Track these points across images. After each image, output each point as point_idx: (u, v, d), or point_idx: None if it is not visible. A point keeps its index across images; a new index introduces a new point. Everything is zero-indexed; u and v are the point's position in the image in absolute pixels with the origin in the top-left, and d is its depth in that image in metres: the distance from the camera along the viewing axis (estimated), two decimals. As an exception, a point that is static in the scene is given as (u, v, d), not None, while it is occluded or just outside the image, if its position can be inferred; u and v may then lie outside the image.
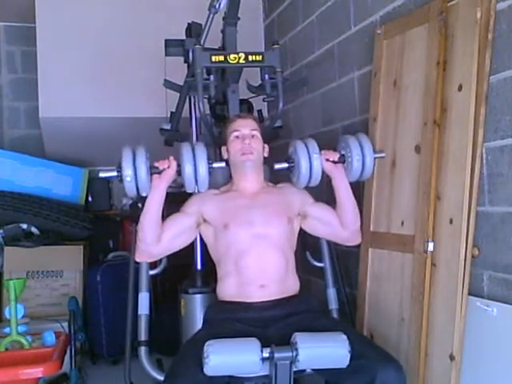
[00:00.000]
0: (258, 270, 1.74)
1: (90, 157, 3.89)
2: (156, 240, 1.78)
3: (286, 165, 1.95)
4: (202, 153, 1.79)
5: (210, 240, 1.88)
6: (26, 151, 3.58)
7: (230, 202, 1.87)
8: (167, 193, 1.84)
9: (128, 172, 1.73)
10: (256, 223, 1.79)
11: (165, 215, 1.86)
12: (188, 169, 1.77)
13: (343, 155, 1.92)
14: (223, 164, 1.91)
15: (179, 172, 1.79)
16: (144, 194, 1.79)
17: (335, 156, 1.90)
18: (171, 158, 1.79)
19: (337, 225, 1.90)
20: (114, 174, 1.77)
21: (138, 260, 1.91)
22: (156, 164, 1.79)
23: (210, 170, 1.83)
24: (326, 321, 1.71)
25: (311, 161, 1.85)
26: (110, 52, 3.35)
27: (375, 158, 1.93)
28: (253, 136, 1.89)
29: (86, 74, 3.33)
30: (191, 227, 1.86)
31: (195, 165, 1.77)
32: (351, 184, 1.92)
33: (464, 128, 1.76)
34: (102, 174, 1.81)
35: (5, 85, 4.05)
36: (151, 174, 1.77)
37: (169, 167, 1.77)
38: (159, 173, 1.78)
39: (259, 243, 1.76)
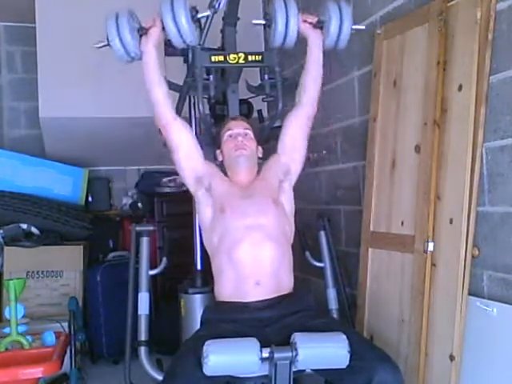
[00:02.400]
0: (252, 261, 1.72)
1: (90, 157, 3.89)
2: (167, 98, 1.83)
3: (263, 22, 1.91)
4: (180, 2, 1.74)
5: (205, 222, 1.86)
6: (25, 151, 3.59)
7: (229, 188, 1.87)
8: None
9: (112, 31, 1.73)
10: (250, 214, 1.78)
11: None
12: (168, 20, 1.73)
13: (322, 21, 1.90)
14: (208, 12, 1.88)
15: (164, 28, 1.77)
16: (136, 58, 1.80)
17: (313, 19, 1.90)
18: (156, 15, 1.79)
19: (297, 116, 1.91)
20: (106, 42, 1.77)
21: (159, 126, 1.89)
22: (143, 24, 1.80)
23: (194, 20, 1.80)
24: (323, 320, 1.70)
25: (288, 17, 1.81)
26: (109, 52, 3.34)
27: (353, 29, 1.90)
28: (246, 134, 1.90)
29: (86, 74, 3.32)
30: (196, 156, 1.88)
31: (174, 15, 1.73)
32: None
33: (464, 128, 1.76)
34: (96, 45, 1.80)
35: (5, 85, 4.05)
36: (140, 37, 1.78)
37: (154, 24, 1.78)
38: (147, 32, 1.79)
39: (252, 234, 1.74)
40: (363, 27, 2.01)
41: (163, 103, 1.83)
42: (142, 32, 1.78)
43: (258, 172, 1.94)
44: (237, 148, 1.86)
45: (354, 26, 1.90)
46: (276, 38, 1.85)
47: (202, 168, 1.88)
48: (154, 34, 1.79)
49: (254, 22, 1.92)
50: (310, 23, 1.89)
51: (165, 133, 1.87)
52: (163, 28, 1.77)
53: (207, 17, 2.08)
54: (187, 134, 1.88)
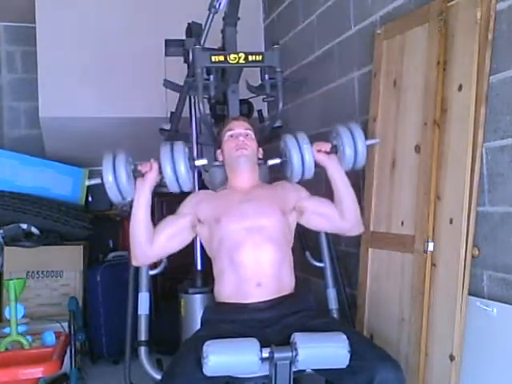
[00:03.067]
0: (253, 264, 1.72)
1: (90, 157, 3.86)
2: (149, 242, 1.79)
3: (278, 160, 1.93)
4: (180, 152, 1.76)
5: (205, 239, 1.87)
6: (26, 151, 3.58)
7: (224, 198, 1.87)
8: (166, 193, 1.84)
9: (108, 179, 1.72)
10: (249, 216, 1.78)
11: (164, 213, 1.86)
12: (167, 170, 1.75)
13: (335, 145, 1.90)
14: (205, 161, 1.88)
15: (161, 173, 1.78)
16: (129, 199, 1.79)
17: (327, 146, 1.89)
18: (152, 160, 1.78)
19: (335, 216, 1.88)
20: (99, 180, 1.76)
21: (135, 264, 1.91)
22: (139, 167, 1.79)
23: (192, 168, 1.81)
24: (324, 320, 1.70)
25: (302, 153, 1.83)
26: (109, 52, 3.35)
27: (368, 145, 1.90)
28: (247, 135, 1.90)
29: (86, 74, 3.33)
30: (186, 228, 1.86)
31: (174, 165, 1.75)
32: (348, 175, 1.90)
33: (464, 128, 1.76)
34: (87, 182, 1.82)
35: (5, 85, 4.05)
36: (135, 178, 1.78)
37: (151, 170, 1.77)
38: (142, 176, 1.78)
39: (253, 236, 1.75)
40: (377, 141, 2.02)
41: (145, 245, 1.79)
42: (138, 175, 1.78)
43: (260, 173, 1.94)
44: (238, 148, 1.86)
45: (368, 143, 1.89)
46: (295, 175, 1.87)
47: (189, 221, 1.86)
48: (151, 179, 1.77)
49: (270, 162, 1.94)
50: (325, 151, 1.88)
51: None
52: (160, 172, 1.77)
53: (207, 17, 2.09)
54: (167, 236, 1.83)
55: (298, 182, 1.93)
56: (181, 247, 1.87)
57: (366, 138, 1.90)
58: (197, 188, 2.30)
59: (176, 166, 1.74)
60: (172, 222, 1.86)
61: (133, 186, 1.77)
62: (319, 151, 1.86)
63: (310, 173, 1.87)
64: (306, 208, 1.90)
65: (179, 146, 1.78)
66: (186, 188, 1.81)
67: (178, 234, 1.85)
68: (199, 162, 1.85)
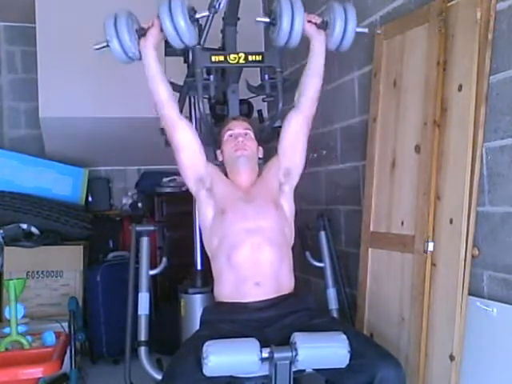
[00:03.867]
0: (252, 264, 1.72)
1: (90, 157, 3.89)
2: (171, 101, 1.83)
3: (267, 19, 1.90)
4: (178, 3, 1.73)
5: (206, 223, 1.85)
6: (25, 151, 3.59)
7: (230, 190, 1.87)
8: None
9: (110, 32, 1.73)
10: (249, 217, 1.78)
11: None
12: (166, 22, 1.73)
13: (326, 21, 1.89)
14: (206, 12, 1.87)
15: (162, 29, 1.77)
16: (134, 57, 1.81)
17: (318, 19, 1.89)
18: (155, 17, 1.79)
19: (293, 115, 1.90)
20: (105, 43, 1.77)
21: (165, 126, 1.90)
22: (142, 26, 1.80)
23: (193, 21, 1.79)
24: (323, 319, 1.70)
25: (294, 15, 1.79)
26: (109, 52, 3.35)
27: (356, 31, 1.90)
28: (246, 134, 1.91)
29: (86, 74, 3.32)
30: (199, 157, 1.87)
31: (173, 17, 1.72)
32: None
33: (464, 128, 1.76)
34: (95, 46, 1.81)
35: (5, 85, 4.05)
36: (139, 38, 1.78)
37: (152, 25, 1.78)
38: (145, 34, 1.79)
39: (252, 237, 1.74)
40: (366, 30, 1.99)
41: (168, 103, 1.83)
42: (141, 33, 1.78)
43: (260, 173, 1.94)
44: (237, 148, 1.86)
45: (357, 29, 1.89)
46: (280, 37, 1.83)
47: (205, 169, 1.87)
48: (153, 34, 1.78)
49: (258, 19, 1.91)
50: (315, 23, 1.88)
51: (169, 132, 1.87)
52: (161, 29, 1.76)
53: (207, 17, 2.08)
54: (192, 135, 1.87)
55: (282, 48, 1.89)
56: (184, 145, 1.86)
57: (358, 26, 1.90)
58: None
59: (174, 17, 1.72)
60: (198, 143, 1.87)
61: (136, 42, 1.78)
62: (309, 22, 1.86)
63: (296, 39, 1.84)
64: (284, 164, 1.90)
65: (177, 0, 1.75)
66: (188, 41, 1.79)
67: (193, 147, 1.86)
68: (200, 15, 1.82)
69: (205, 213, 1.86)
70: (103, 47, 1.78)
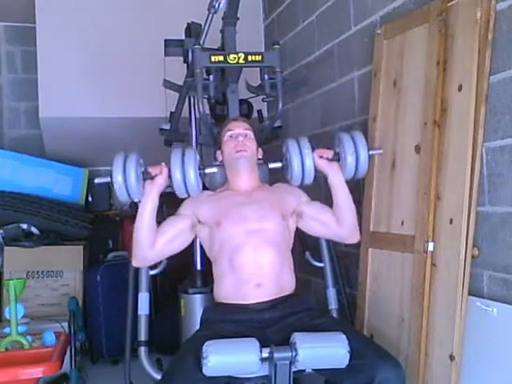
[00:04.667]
0: (254, 266, 1.73)
1: (90, 157, 3.89)
2: (151, 245, 1.79)
3: (279, 164, 1.95)
4: (191, 159, 1.78)
5: (205, 240, 1.88)
6: (26, 151, 3.58)
7: (224, 201, 1.88)
8: (167, 193, 1.84)
9: (118, 178, 1.73)
10: (249, 219, 1.79)
11: (165, 216, 1.86)
12: (177, 175, 1.77)
13: (337, 153, 1.90)
14: (215, 169, 1.90)
15: (171, 177, 1.79)
16: (136, 200, 1.80)
17: (329, 153, 1.89)
18: (163, 164, 1.79)
19: (333, 223, 1.89)
20: (108, 179, 1.77)
21: (135, 265, 1.91)
22: (149, 169, 1.80)
23: (202, 176, 1.83)
24: (324, 320, 1.70)
25: (303, 158, 1.84)
26: (109, 52, 3.35)
27: (370, 155, 1.91)
28: (246, 135, 1.91)
29: (86, 74, 3.33)
30: (186, 229, 1.86)
31: (184, 171, 1.77)
32: (348, 183, 1.91)
33: (464, 128, 1.76)
34: (97, 181, 1.83)
35: (5, 85, 4.05)
36: (144, 180, 1.79)
37: (161, 173, 1.78)
38: (152, 178, 1.78)
39: (253, 239, 1.75)
40: (380, 151, 2.01)
41: (146, 246, 1.78)
42: (147, 177, 1.79)
43: (261, 173, 1.94)
44: (237, 149, 1.86)
45: (370, 153, 1.91)
46: (294, 179, 1.88)
47: (190, 221, 1.86)
48: (160, 183, 1.78)
49: (271, 165, 1.98)
50: (327, 158, 1.88)
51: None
52: (169, 176, 1.78)
53: (207, 17, 2.09)
54: (168, 238, 1.82)
55: (299, 187, 1.93)
56: (181, 248, 1.87)
57: (369, 147, 1.91)
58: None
59: (186, 173, 1.76)
60: (173, 224, 1.86)
61: (141, 187, 1.77)
62: (321, 157, 1.87)
63: (309, 178, 1.88)
64: (305, 213, 1.91)
65: (190, 153, 1.80)
66: (194, 194, 1.83)
67: (178, 236, 1.85)
68: (209, 170, 1.87)
69: (202, 236, 1.89)
70: (105, 183, 1.79)
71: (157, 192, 1.78)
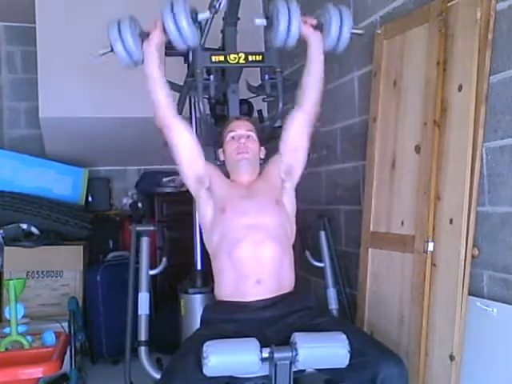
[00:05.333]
0: (253, 261, 1.72)
1: (90, 157, 3.89)
2: (169, 105, 1.83)
3: (264, 21, 1.91)
4: (180, 8, 1.74)
5: (206, 222, 1.86)
6: (26, 151, 3.59)
7: (231, 189, 1.87)
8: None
9: (115, 37, 1.76)
10: (250, 213, 1.78)
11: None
12: (170, 26, 1.74)
13: (321, 23, 1.90)
14: (208, 14, 1.88)
15: (165, 31, 1.78)
16: (136, 60, 1.81)
17: (313, 21, 1.90)
18: (158, 19, 1.80)
19: (297, 116, 1.90)
20: (109, 49, 1.79)
21: (161, 127, 1.87)
22: (144, 30, 1.82)
23: (196, 21, 1.80)
24: (324, 319, 1.70)
25: (290, 18, 1.80)
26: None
27: (352, 33, 1.90)
28: (248, 136, 1.90)
29: (86, 73, 3.32)
30: (198, 161, 1.87)
31: (176, 20, 1.74)
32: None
33: (464, 128, 1.76)
34: (100, 52, 1.83)
35: (5, 85, 4.05)
36: (142, 41, 1.80)
37: (155, 28, 1.79)
38: (148, 36, 1.81)
39: (253, 234, 1.74)
40: (362, 31, 2.00)
41: (165, 104, 1.83)
42: (144, 36, 1.80)
43: (260, 172, 1.94)
44: (239, 151, 1.86)
45: (353, 30, 1.89)
46: (278, 38, 1.84)
47: (203, 169, 1.88)
48: (156, 36, 1.80)
49: (257, 22, 1.91)
50: (311, 25, 1.88)
51: (166, 134, 1.86)
52: (164, 31, 1.78)
53: (207, 21, 2.08)
54: (189, 135, 1.87)
55: (281, 49, 1.90)
56: (181, 146, 1.86)
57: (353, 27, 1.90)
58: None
59: (177, 19, 1.73)
60: (194, 140, 1.87)
61: (140, 47, 1.80)
62: (305, 23, 1.87)
63: (292, 40, 1.85)
64: (285, 161, 1.91)
65: (179, 2, 1.76)
66: (190, 42, 1.80)
67: (190, 148, 1.86)
68: (202, 16, 1.84)
69: (204, 212, 1.86)
70: (107, 52, 1.81)
71: (155, 48, 1.80)
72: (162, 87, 1.82)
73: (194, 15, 1.79)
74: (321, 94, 1.93)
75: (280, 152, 1.93)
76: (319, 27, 1.89)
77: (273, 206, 1.82)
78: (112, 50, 1.78)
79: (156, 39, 1.80)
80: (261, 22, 1.91)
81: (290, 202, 1.89)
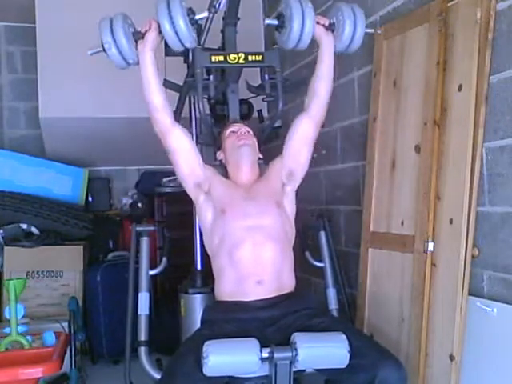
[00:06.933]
0: (254, 262, 1.72)
1: (90, 157, 3.89)
2: (166, 107, 1.79)
3: (276, 21, 1.85)
4: (177, 6, 1.67)
5: (206, 225, 1.85)
6: (26, 151, 3.59)
7: (230, 190, 1.87)
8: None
9: (107, 39, 1.67)
10: (251, 215, 1.78)
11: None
12: (166, 26, 1.67)
13: (333, 23, 1.85)
14: (206, 14, 1.80)
15: (161, 31, 1.72)
16: (131, 62, 1.76)
17: (326, 21, 1.85)
18: (152, 18, 1.74)
19: (305, 120, 1.89)
20: (100, 48, 1.71)
21: (157, 132, 1.85)
22: (139, 29, 1.75)
23: (194, 22, 1.74)
24: (324, 319, 1.70)
25: (304, 19, 1.74)
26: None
27: (366, 33, 1.87)
28: (248, 132, 1.93)
29: (86, 73, 3.32)
30: (196, 167, 1.85)
31: (172, 20, 1.67)
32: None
33: (464, 128, 1.76)
34: (90, 52, 1.75)
35: (5, 85, 4.05)
36: (136, 41, 1.73)
37: (150, 29, 1.74)
38: (143, 37, 1.74)
39: (254, 235, 1.74)
40: (373, 31, 1.99)
41: (162, 109, 1.79)
42: (138, 37, 1.73)
43: (261, 173, 1.94)
44: (240, 138, 1.88)
45: (366, 30, 1.87)
46: (290, 40, 1.79)
47: (201, 173, 1.87)
48: (151, 38, 1.74)
49: (267, 21, 1.86)
50: (323, 25, 1.85)
51: (163, 137, 1.83)
52: (160, 31, 1.72)
53: (207, 17, 2.08)
54: (186, 141, 1.85)
55: (292, 50, 1.84)
56: (178, 151, 1.83)
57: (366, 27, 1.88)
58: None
59: (174, 19, 1.66)
60: (191, 143, 1.86)
61: (134, 48, 1.73)
62: (318, 23, 1.83)
63: (306, 42, 1.79)
64: (288, 165, 1.89)
65: (176, 1, 1.69)
66: (189, 44, 1.75)
67: (188, 153, 1.84)
68: (200, 16, 1.77)
69: (205, 216, 1.86)
70: (98, 52, 1.73)
71: (150, 48, 1.74)
72: (158, 91, 1.77)
73: (191, 15, 1.74)
74: (329, 97, 1.90)
75: (282, 155, 1.93)
76: (331, 27, 1.84)
77: (273, 207, 1.82)
78: (104, 50, 1.70)
79: (151, 41, 1.74)
80: (271, 21, 1.84)
81: (290, 204, 1.89)
